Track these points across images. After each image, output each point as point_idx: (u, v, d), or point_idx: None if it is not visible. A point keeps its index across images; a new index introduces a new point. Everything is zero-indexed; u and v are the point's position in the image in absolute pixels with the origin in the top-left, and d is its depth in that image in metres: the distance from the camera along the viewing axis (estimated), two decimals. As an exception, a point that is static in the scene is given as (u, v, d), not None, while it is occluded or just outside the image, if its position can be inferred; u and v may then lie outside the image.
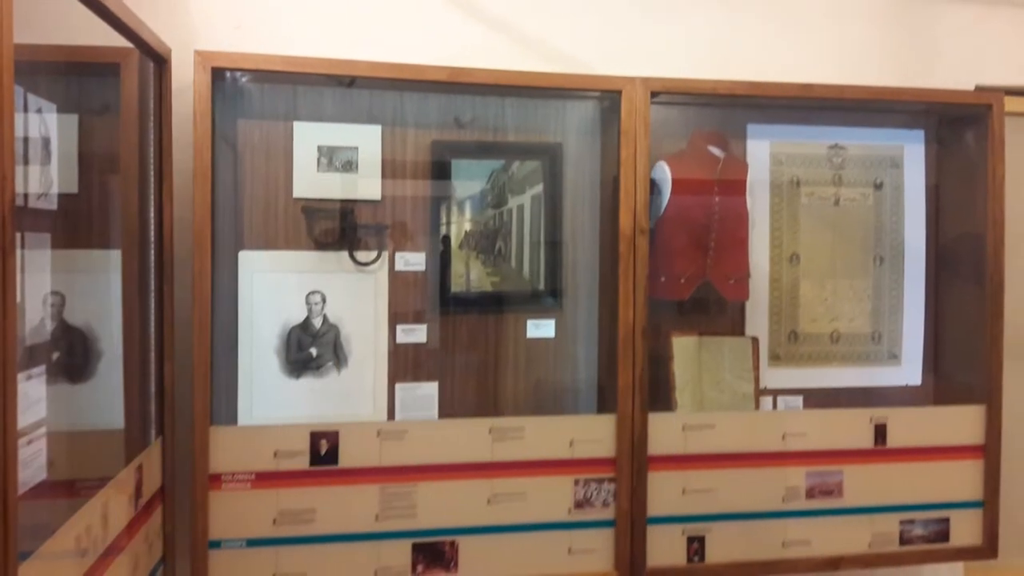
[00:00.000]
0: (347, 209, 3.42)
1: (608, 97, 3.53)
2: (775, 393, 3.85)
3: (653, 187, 3.52)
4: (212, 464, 3.10)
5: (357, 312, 3.43)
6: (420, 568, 3.28)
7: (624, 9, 3.80)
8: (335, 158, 3.40)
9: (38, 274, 2.40)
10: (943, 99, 3.78)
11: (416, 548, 3.28)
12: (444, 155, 3.54)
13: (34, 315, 2.38)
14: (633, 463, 3.38)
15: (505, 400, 3.63)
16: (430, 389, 3.53)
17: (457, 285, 3.57)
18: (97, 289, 2.79)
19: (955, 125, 3.94)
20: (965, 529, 3.72)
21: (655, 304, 3.51)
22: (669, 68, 3.66)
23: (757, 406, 3.73)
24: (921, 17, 4.11)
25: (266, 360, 3.36)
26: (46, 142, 2.44)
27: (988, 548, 3.74)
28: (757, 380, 3.73)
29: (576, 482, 3.38)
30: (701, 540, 3.49)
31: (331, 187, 3.41)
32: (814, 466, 3.58)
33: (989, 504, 3.72)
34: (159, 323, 3.09)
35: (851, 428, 3.62)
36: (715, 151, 3.67)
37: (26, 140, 2.31)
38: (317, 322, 3.39)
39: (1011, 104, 3.84)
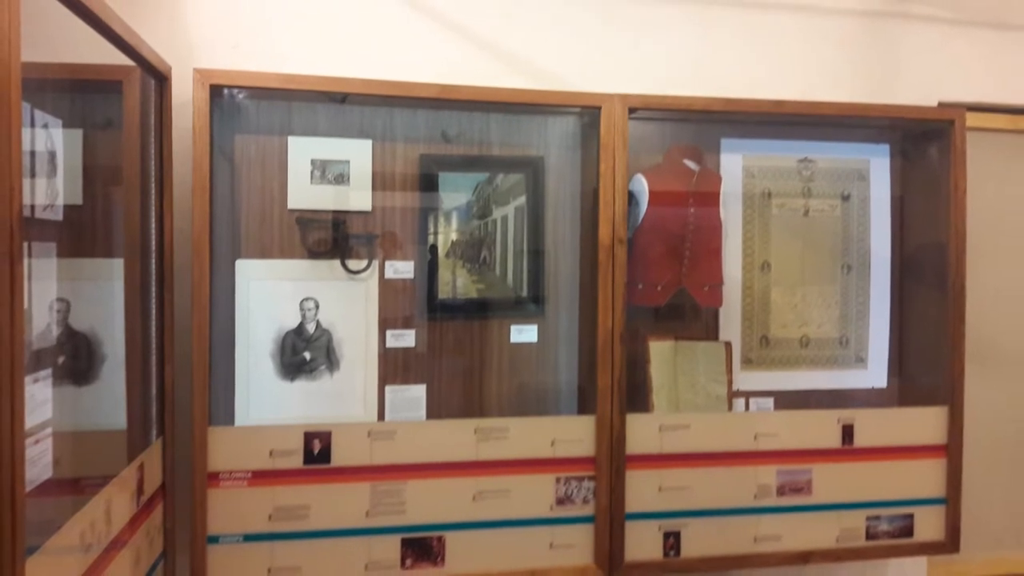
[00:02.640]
0: (339, 220, 3.43)
1: (588, 113, 3.56)
2: (747, 395, 3.88)
3: (631, 199, 3.54)
4: (210, 463, 3.11)
5: (349, 318, 3.44)
6: (408, 562, 3.29)
7: (603, 28, 3.82)
8: (328, 171, 3.42)
9: (44, 281, 2.40)
10: (908, 115, 3.82)
11: (405, 543, 3.29)
12: (432, 168, 3.55)
13: (41, 321, 2.38)
14: (612, 462, 3.40)
15: (490, 402, 3.65)
16: (418, 391, 3.54)
17: (444, 292, 3.58)
18: (101, 296, 2.79)
19: (919, 140, 3.97)
20: (928, 525, 3.74)
21: (633, 310, 3.53)
22: (647, 85, 3.70)
23: (730, 407, 3.75)
24: (887, 37, 4.14)
25: (262, 363, 3.37)
26: (52, 156, 2.44)
27: (950, 543, 3.76)
28: (730, 383, 3.76)
29: (557, 480, 3.40)
30: (677, 535, 3.51)
31: (324, 199, 3.43)
32: (784, 465, 3.60)
33: (951, 501, 3.74)
34: (160, 328, 3.10)
35: (820, 429, 3.64)
36: (690, 164, 3.70)
37: (33, 154, 2.31)
38: (310, 327, 3.41)
39: (972, 120, 3.89)
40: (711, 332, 3.89)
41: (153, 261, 3.09)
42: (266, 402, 3.37)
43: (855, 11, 4.09)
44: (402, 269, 3.52)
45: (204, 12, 3.46)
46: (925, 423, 3.73)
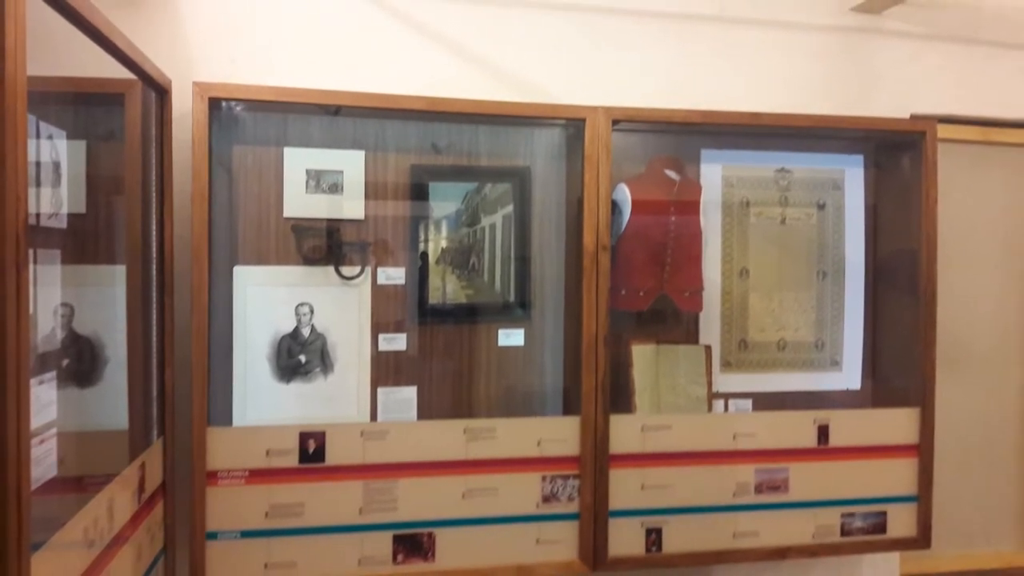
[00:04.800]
0: (333, 227, 3.45)
1: (573, 125, 3.58)
2: (726, 397, 3.89)
3: (614, 207, 3.56)
4: (209, 462, 3.13)
5: (342, 322, 3.46)
6: (400, 558, 3.31)
7: (588, 43, 3.84)
8: (322, 181, 3.43)
9: (49, 287, 2.40)
10: (881, 126, 3.84)
11: (396, 539, 3.31)
12: (422, 178, 3.57)
13: (45, 325, 2.38)
14: (596, 461, 3.42)
15: (478, 403, 3.66)
16: (409, 393, 3.55)
17: (434, 297, 3.60)
18: (103, 301, 2.79)
19: (892, 150, 3.99)
20: (901, 522, 3.76)
21: (616, 315, 3.55)
22: (629, 98, 3.71)
23: (710, 408, 3.77)
24: (861, 51, 4.16)
25: (259, 366, 3.38)
26: (56, 166, 2.44)
27: (922, 539, 3.78)
28: (710, 385, 3.77)
29: (543, 478, 3.42)
30: (658, 532, 3.53)
31: (318, 207, 3.44)
32: (762, 464, 3.62)
33: (923, 499, 3.76)
34: (160, 332, 3.11)
35: (796, 429, 3.66)
36: (671, 174, 3.71)
37: (38, 164, 2.30)
38: (305, 331, 3.42)
39: (943, 131, 3.92)
40: (691, 336, 3.90)
41: (154, 267, 3.09)
42: (263, 403, 3.39)
43: (830, 26, 4.12)
44: (394, 275, 3.53)
45: (203, 28, 3.48)
46: (898, 424, 3.76)
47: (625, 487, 3.49)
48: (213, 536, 3.15)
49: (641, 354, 3.70)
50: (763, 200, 3.94)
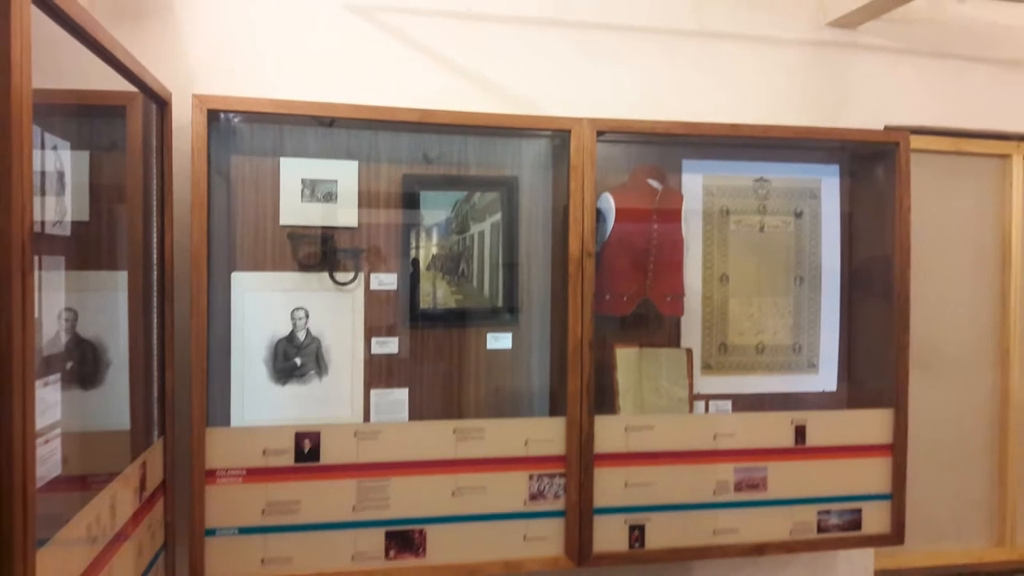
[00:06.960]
0: (328, 235, 3.46)
1: (559, 136, 3.60)
2: (707, 398, 3.91)
3: (599, 215, 3.58)
4: (208, 461, 3.15)
5: (337, 326, 3.47)
6: (392, 553, 3.33)
7: (573, 57, 3.86)
8: (317, 190, 3.45)
9: (53, 292, 2.40)
10: (856, 137, 3.86)
11: (389, 535, 3.33)
12: (414, 187, 3.58)
13: (50, 329, 2.38)
14: (581, 460, 3.44)
15: (468, 404, 3.67)
16: (401, 395, 3.57)
17: (425, 302, 3.61)
18: (106, 306, 2.79)
19: (866, 160, 4.02)
20: (875, 519, 3.79)
21: (600, 319, 3.57)
22: (613, 110, 3.73)
23: (691, 409, 3.79)
24: (836, 64, 4.19)
25: (256, 369, 3.40)
26: (61, 175, 2.44)
27: (895, 535, 3.81)
28: (691, 387, 3.79)
29: (530, 477, 3.44)
30: (641, 528, 3.55)
31: (313, 215, 3.46)
32: (741, 463, 3.64)
33: (896, 496, 3.79)
34: (161, 336, 3.12)
35: (774, 429, 3.68)
36: (654, 183, 3.73)
37: (43, 174, 2.30)
38: (301, 335, 3.44)
39: (916, 142, 3.96)
40: (673, 339, 3.92)
41: (155, 273, 3.11)
42: (260, 404, 3.40)
43: (808, 41, 4.15)
44: (386, 281, 3.55)
45: (202, 41, 3.49)
46: (872, 424, 3.78)
47: (609, 485, 3.51)
48: (212, 533, 3.17)
49: (624, 357, 3.72)
50: (742, 208, 3.96)
